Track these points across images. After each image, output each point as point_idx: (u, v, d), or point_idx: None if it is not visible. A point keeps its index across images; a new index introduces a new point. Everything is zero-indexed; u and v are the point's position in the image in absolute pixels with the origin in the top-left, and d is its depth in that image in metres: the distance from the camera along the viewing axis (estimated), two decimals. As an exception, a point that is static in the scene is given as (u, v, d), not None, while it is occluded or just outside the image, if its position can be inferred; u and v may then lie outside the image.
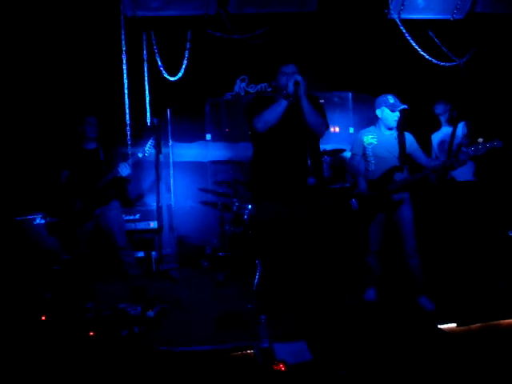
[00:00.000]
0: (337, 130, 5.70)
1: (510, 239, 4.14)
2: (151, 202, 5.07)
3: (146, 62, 5.29)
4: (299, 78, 2.88)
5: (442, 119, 4.55)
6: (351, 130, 5.65)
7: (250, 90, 5.68)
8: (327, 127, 3.13)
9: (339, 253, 3.68)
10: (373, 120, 3.53)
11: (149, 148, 4.09)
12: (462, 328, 2.94)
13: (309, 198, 2.98)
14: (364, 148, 3.46)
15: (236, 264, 4.43)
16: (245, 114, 3.21)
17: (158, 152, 4.29)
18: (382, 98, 3.40)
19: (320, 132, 3.07)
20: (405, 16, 4.91)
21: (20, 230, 4.36)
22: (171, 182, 5.45)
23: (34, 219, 4.42)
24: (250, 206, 4.40)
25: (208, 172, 5.56)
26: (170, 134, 5.43)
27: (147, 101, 5.30)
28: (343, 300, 3.34)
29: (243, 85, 5.68)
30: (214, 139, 5.69)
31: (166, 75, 5.21)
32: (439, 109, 4.53)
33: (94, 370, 2.50)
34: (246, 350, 2.64)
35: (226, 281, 4.25)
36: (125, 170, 3.98)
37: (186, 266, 4.99)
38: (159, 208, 4.45)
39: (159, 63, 5.19)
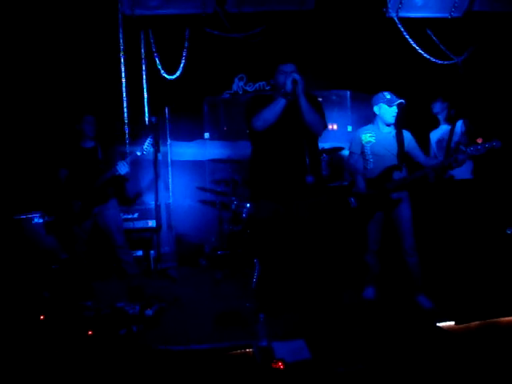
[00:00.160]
0: (335, 128, 5.69)
1: (508, 237, 4.15)
2: (149, 200, 5.06)
3: (144, 61, 5.30)
4: (297, 76, 2.88)
5: (440, 118, 4.55)
6: (349, 129, 5.63)
7: (248, 89, 5.67)
8: (325, 126, 3.13)
9: (338, 251, 3.69)
10: (371, 118, 3.53)
11: (147, 146, 4.08)
12: (460, 326, 2.94)
13: (307, 196, 2.98)
14: (362, 146, 3.46)
15: (234, 263, 4.42)
16: (244, 113, 3.21)
17: (157, 150, 4.27)
18: (378, 95, 3.41)
19: (318, 130, 3.08)
20: (403, 14, 4.92)
21: (18, 229, 4.36)
22: (169, 180, 5.45)
23: (32, 218, 4.41)
24: (248, 205, 4.39)
25: (206, 170, 5.54)
26: (168, 132, 5.42)
27: (145, 99, 5.31)
28: (342, 298, 3.36)
29: (241, 83, 5.68)
30: (212, 138, 5.68)
31: (164, 74, 5.22)
32: (436, 108, 4.53)
33: (92, 369, 2.50)
34: (245, 349, 2.64)
35: (224, 279, 4.24)
36: (123, 168, 3.98)
37: (185, 264, 4.99)
38: (157, 207, 4.45)
39: (157, 62, 5.20)
